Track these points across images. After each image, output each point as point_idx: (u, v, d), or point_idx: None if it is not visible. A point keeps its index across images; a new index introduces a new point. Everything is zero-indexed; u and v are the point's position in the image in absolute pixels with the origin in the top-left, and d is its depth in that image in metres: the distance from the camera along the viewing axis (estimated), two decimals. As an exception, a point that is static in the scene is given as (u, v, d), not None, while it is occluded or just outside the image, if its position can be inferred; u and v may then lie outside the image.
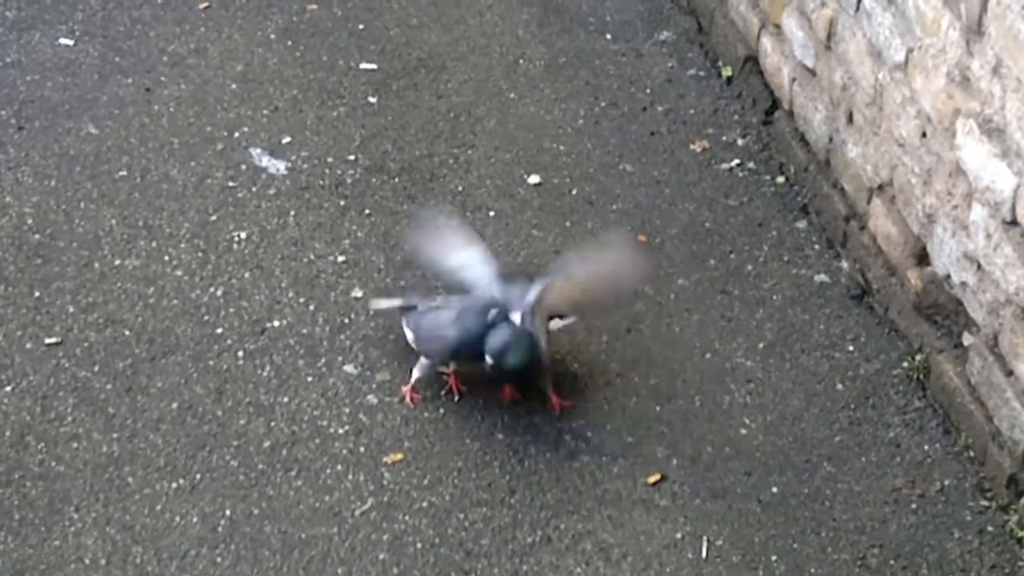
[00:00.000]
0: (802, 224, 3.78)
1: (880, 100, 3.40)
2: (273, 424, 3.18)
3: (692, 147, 4.05)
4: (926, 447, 3.18)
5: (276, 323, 3.43)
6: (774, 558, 2.94)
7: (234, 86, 4.22)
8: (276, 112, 4.13)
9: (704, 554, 2.95)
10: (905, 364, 3.35)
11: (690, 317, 3.49)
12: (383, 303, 3.41)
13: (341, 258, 3.62)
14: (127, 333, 3.38)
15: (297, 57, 4.36)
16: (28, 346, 3.34)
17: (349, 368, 3.32)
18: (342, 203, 3.80)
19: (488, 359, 3.06)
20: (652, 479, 3.09)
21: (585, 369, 3.33)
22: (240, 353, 3.35)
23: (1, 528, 2.93)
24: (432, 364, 3.23)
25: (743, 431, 3.20)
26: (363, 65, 4.34)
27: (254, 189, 3.83)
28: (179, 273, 3.55)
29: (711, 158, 4.01)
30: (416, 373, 3.23)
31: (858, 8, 3.46)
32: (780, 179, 3.93)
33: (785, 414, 3.25)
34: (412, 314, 3.27)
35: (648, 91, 4.27)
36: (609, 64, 4.38)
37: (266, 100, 4.17)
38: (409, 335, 3.26)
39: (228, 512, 2.99)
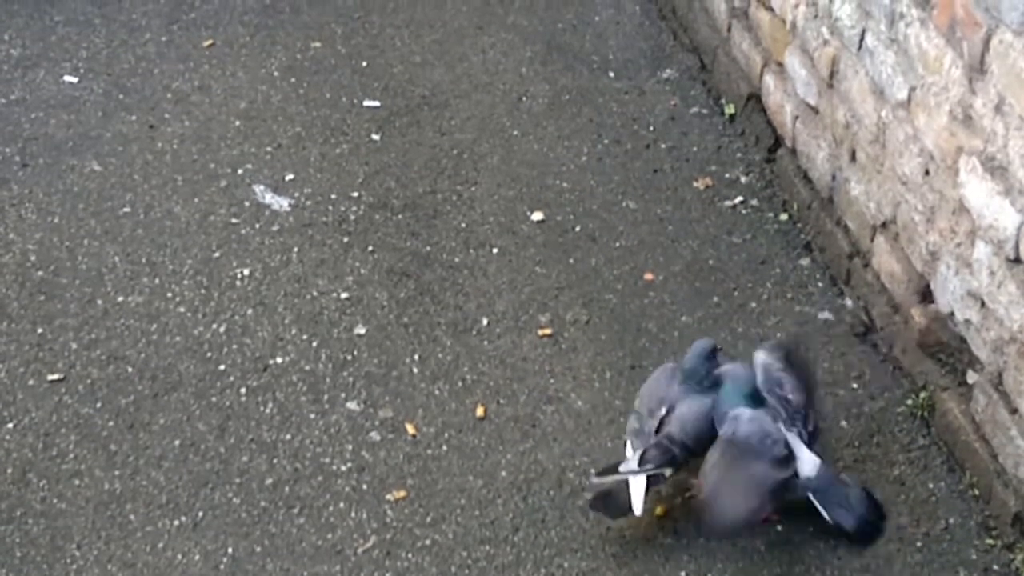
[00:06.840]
0: (805, 261, 3.78)
1: (883, 138, 3.41)
2: (275, 461, 3.17)
3: (695, 184, 4.06)
4: (931, 485, 3.16)
5: (279, 360, 3.42)
6: (779, 597, 2.93)
7: (238, 123, 4.23)
8: (279, 149, 4.13)
9: (708, 593, 2.93)
10: (909, 402, 3.34)
11: (693, 354, 3.49)
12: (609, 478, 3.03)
13: (344, 295, 3.62)
14: (130, 370, 3.38)
15: (300, 94, 4.38)
16: (31, 382, 3.33)
17: (352, 405, 3.32)
18: (345, 240, 3.80)
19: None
20: (656, 515, 3.07)
21: (589, 406, 3.32)
22: (243, 390, 3.34)
23: (3, 566, 2.92)
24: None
25: (747, 469, 3.18)
26: (366, 102, 4.36)
27: (257, 226, 3.84)
28: (182, 310, 3.55)
29: (714, 195, 4.02)
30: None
31: (860, 47, 3.47)
32: (783, 216, 3.93)
33: (789, 452, 3.23)
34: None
35: (651, 128, 4.28)
36: (612, 102, 4.39)
37: (269, 137, 4.18)
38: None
39: (230, 550, 2.97)
